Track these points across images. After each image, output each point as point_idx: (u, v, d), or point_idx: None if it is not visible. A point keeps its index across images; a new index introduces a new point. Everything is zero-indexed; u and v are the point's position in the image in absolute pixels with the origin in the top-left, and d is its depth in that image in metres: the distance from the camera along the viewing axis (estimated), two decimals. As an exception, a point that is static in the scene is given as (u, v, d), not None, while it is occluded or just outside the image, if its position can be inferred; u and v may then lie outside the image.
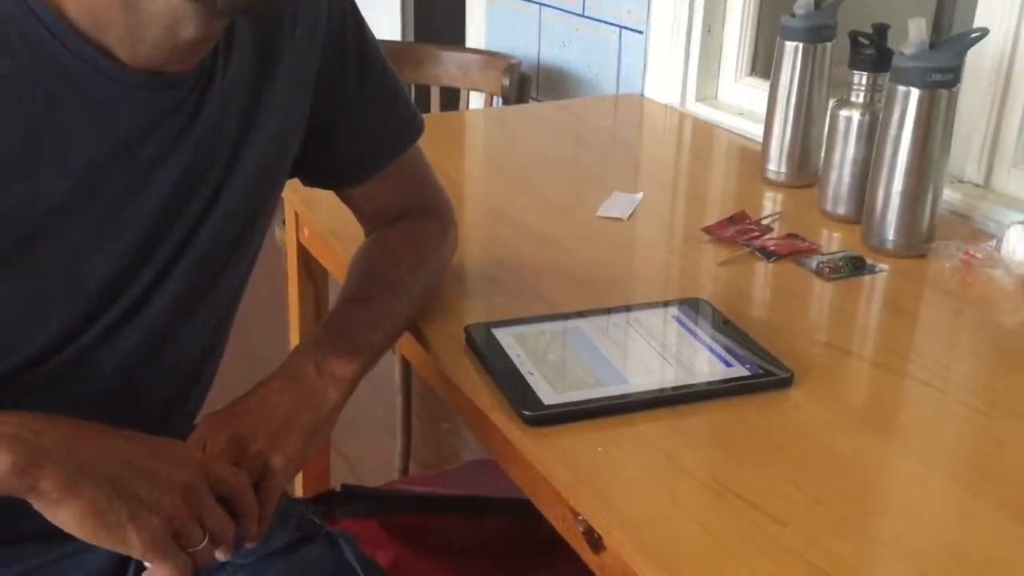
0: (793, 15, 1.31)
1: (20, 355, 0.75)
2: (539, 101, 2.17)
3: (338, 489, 1.28)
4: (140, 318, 0.79)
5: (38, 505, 0.62)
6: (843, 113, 1.22)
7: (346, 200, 1.01)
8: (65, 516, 0.62)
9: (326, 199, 1.03)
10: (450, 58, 2.14)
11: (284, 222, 1.41)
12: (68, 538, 0.64)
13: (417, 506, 1.29)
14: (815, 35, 1.30)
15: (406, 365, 1.96)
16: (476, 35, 2.39)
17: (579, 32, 2.04)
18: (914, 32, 1.07)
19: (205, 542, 0.67)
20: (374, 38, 0.94)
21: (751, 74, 1.73)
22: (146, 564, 0.68)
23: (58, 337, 0.76)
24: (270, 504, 0.74)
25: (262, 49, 0.82)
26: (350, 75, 0.91)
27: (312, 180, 0.98)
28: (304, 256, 1.39)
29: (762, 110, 1.53)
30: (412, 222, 1.00)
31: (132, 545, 0.64)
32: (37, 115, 0.68)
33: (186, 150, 0.77)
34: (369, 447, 2.19)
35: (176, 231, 0.79)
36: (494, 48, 2.27)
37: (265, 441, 0.75)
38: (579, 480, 0.74)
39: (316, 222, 1.26)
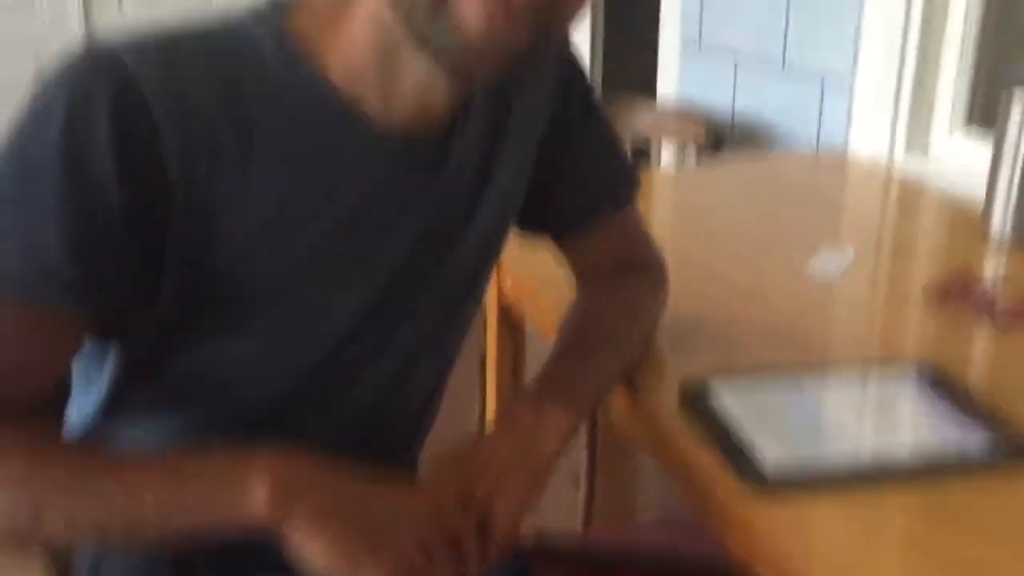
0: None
1: (268, 391, 0.81)
2: (735, 155, 2.14)
3: (532, 537, 1.28)
4: (377, 362, 0.83)
5: (288, 536, 0.66)
6: (1083, 169, 1.14)
7: (562, 251, 1.03)
8: (313, 547, 0.66)
9: (532, 249, 1.04)
10: (644, 111, 2.15)
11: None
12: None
13: (612, 560, 1.28)
14: (1048, 86, 1.23)
15: (593, 417, 1.95)
16: (668, 87, 2.40)
17: (778, 85, 2.01)
18: None
19: None
20: (599, 98, 0.96)
21: (967, 126, 1.65)
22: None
23: (304, 375, 0.81)
24: (492, 549, 0.76)
25: (496, 112, 0.85)
26: (575, 134, 0.94)
27: (530, 226, 1.01)
28: (504, 307, 1.42)
29: (979, 165, 1.46)
30: (625, 278, 1.00)
31: None
32: (302, 170, 0.74)
33: (426, 206, 0.81)
34: (552, 497, 2.19)
35: (413, 283, 0.83)
36: (686, 100, 2.27)
37: (489, 486, 0.76)
38: (811, 551, 0.71)
39: (521, 272, 1.28)
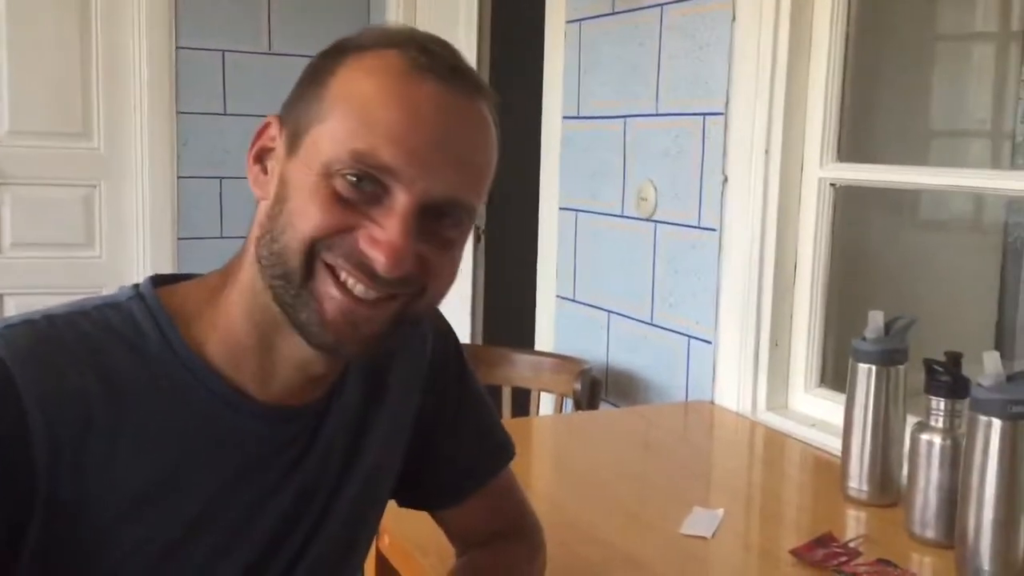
0: (864, 339, 1.36)
1: None
2: (609, 403, 2.22)
3: None
4: None
5: None
6: (924, 437, 1.23)
7: (438, 520, 1.04)
8: None
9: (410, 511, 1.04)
10: (523, 360, 2.22)
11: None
12: None
13: None
14: (887, 359, 1.35)
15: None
16: (545, 338, 2.50)
17: (648, 339, 2.12)
18: (990, 364, 1.11)
19: None
20: (474, 374, 1.00)
21: (820, 385, 1.77)
22: None
23: None
24: None
25: (370, 387, 0.88)
26: (449, 411, 0.97)
27: (406, 502, 1.01)
28: (383, 565, 1.38)
29: (834, 420, 1.56)
30: (502, 546, 1.01)
31: None
32: (173, 450, 0.74)
33: (299, 476, 0.82)
34: None
35: (287, 549, 0.82)
36: (562, 350, 2.36)
37: None
38: None
39: (398, 531, 1.27)
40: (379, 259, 0.70)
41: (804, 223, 1.77)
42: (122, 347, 0.74)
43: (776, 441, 1.71)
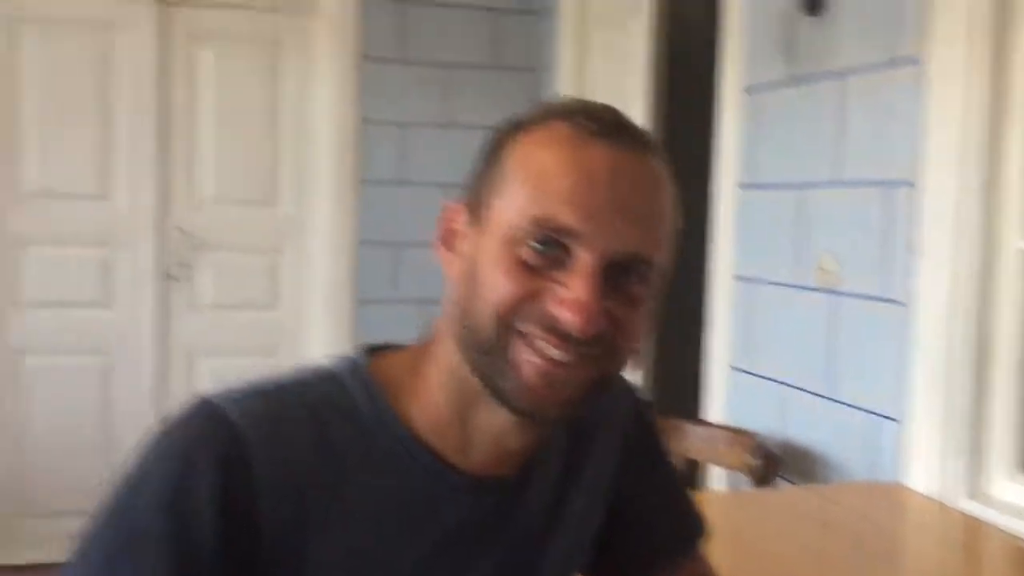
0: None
1: None
2: (786, 479, 2.14)
3: None
4: None
5: None
6: None
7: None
8: None
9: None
10: (695, 432, 2.18)
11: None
12: None
13: None
14: (1107, 446, 1.24)
15: None
16: (716, 409, 2.44)
17: (827, 414, 2.04)
18: None
19: None
20: (667, 445, 0.99)
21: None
22: None
23: None
24: None
25: (570, 459, 0.89)
26: (643, 484, 0.96)
27: (595, 574, 1.00)
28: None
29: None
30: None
31: None
32: (382, 519, 0.77)
33: (499, 548, 0.82)
34: None
35: None
36: (735, 423, 2.30)
37: None
38: None
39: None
40: (570, 319, 0.71)
41: (1002, 295, 1.67)
42: (339, 417, 0.77)
43: (973, 528, 1.59)
